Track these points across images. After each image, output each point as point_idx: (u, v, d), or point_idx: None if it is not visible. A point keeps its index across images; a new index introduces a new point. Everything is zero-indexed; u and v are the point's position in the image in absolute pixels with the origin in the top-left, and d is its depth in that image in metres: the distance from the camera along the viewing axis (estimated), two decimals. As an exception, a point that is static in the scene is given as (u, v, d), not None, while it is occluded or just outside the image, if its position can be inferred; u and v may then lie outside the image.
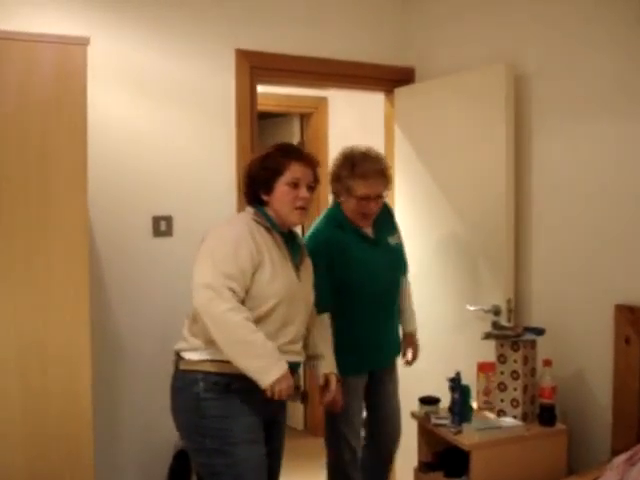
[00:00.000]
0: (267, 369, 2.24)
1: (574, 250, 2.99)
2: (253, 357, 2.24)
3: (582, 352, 2.95)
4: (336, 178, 2.95)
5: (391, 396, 3.12)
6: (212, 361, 2.33)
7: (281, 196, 2.44)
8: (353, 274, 2.89)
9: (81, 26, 2.99)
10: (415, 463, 3.07)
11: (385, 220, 3.07)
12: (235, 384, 2.31)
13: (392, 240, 3.06)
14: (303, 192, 2.45)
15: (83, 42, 2.53)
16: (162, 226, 3.31)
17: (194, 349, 2.37)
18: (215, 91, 3.42)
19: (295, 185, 2.44)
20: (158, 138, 3.29)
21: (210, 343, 2.31)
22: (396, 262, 3.10)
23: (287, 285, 2.40)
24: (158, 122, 3.29)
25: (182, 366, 2.40)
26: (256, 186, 2.49)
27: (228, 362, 2.27)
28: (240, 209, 3.41)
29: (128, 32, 3.20)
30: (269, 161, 2.47)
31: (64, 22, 2.99)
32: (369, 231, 2.99)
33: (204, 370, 2.34)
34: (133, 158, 3.24)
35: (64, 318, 2.51)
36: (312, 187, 2.50)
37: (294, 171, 2.44)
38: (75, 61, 2.51)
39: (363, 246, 2.95)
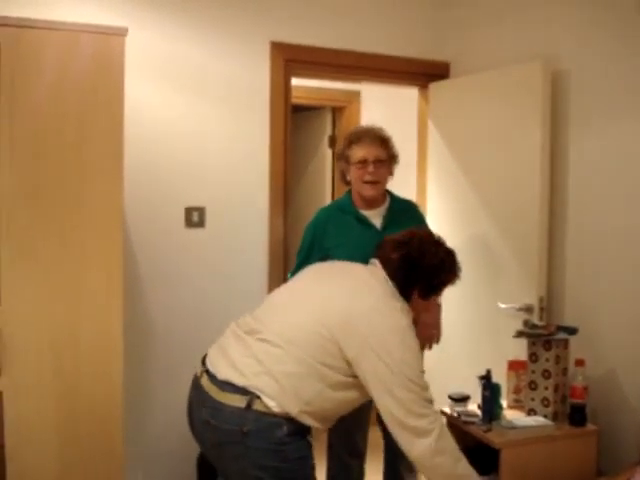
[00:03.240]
0: None
1: (608, 249, 2.95)
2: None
3: (615, 352, 2.92)
4: (339, 156, 3.00)
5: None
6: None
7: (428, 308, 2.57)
8: (332, 254, 2.82)
9: (119, 18, 3.03)
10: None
11: (408, 218, 2.94)
12: (309, 429, 2.18)
13: None
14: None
15: (121, 32, 2.56)
16: (194, 217, 3.33)
17: (288, 408, 2.12)
18: (249, 83, 3.42)
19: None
20: (192, 130, 3.31)
21: (323, 420, 2.22)
22: None
23: None
24: (192, 114, 3.31)
25: (259, 407, 2.11)
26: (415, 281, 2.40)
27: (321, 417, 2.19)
28: (273, 202, 3.44)
29: (164, 24, 3.22)
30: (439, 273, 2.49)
31: (102, 13, 3.03)
32: (377, 221, 2.91)
33: (288, 417, 2.12)
34: (167, 149, 3.26)
35: (97, 303, 2.55)
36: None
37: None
38: (113, 51, 2.54)
39: (357, 231, 2.88)
